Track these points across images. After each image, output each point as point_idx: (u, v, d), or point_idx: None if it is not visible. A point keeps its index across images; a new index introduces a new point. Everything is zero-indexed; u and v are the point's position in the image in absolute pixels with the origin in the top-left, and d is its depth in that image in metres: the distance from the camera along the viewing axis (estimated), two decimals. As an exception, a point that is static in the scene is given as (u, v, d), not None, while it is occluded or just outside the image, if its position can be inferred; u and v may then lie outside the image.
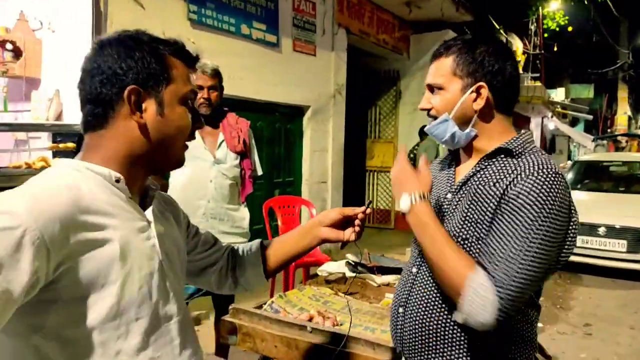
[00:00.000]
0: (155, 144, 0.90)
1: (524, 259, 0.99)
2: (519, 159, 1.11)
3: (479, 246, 1.08)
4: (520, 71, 13.48)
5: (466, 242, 1.12)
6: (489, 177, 1.13)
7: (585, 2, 13.74)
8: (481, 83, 1.14)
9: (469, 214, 1.13)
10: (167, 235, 0.96)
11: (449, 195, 1.22)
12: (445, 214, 1.21)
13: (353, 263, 2.76)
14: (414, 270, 1.25)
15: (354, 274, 2.58)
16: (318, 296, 2.31)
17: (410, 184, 1.14)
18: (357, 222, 1.21)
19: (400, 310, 1.25)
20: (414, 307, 1.21)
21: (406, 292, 1.25)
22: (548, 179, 1.03)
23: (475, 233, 1.10)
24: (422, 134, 6.67)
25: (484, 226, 1.09)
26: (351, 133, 6.77)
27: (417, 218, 1.11)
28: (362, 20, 6.80)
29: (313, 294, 2.33)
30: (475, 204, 1.12)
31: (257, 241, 1.26)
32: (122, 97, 0.86)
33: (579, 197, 6.21)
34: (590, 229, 5.69)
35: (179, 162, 0.97)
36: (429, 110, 1.23)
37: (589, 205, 6.16)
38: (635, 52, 19.24)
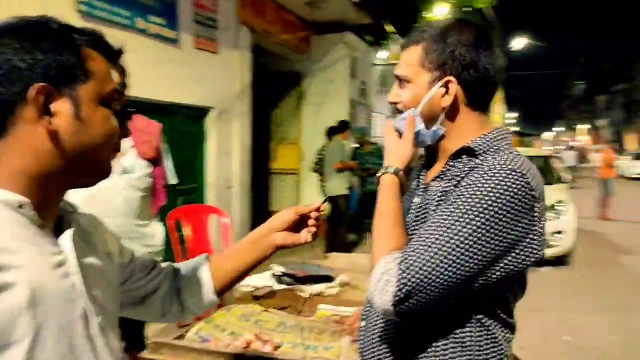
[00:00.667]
0: (72, 156, 0.74)
1: (441, 249, 0.90)
2: (483, 158, 1.02)
3: None
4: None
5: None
6: (451, 175, 1.05)
7: (467, 10, 14.85)
8: (450, 78, 1.04)
9: (420, 213, 1.07)
10: (92, 268, 0.80)
11: (417, 200, 1.13)
12: (411, 219, 1.12)
13: (280, 274, 2.61)
14: None
15: (285, 287, 2.42)
16: (248, 316, 2.12)
17: (388, 157, 1.11)
18: (311, 221, 1.11)
19: (363, 323, 1.17)
20: (373, 321, 1.13)
21: (369, 304, 1.16)
22: (501, 173, 0.93)
23: (419, 229, 1.03)
24: (330, 134, 6.66)
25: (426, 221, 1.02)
26: (255, 135, 6.56)
27: (379, 190, 1.08)
28: (265, 19, 6.63)
29: (242, 313, 2.13)
30: (427, 202, 1.06)
31: (202, 257, 1.10)
32: (25, 98, 0.70)
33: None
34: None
35: (105, 175, 0.82)
36: (396, 104, 1.13)
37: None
38: (508, 55, 21.31)
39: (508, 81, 24.08)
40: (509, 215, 0.92)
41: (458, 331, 1.01)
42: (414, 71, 1.07)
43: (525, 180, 0.94)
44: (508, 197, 0.92)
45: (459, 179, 1.01)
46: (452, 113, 1.07)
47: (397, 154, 1.10)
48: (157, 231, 2.36)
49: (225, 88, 5.86)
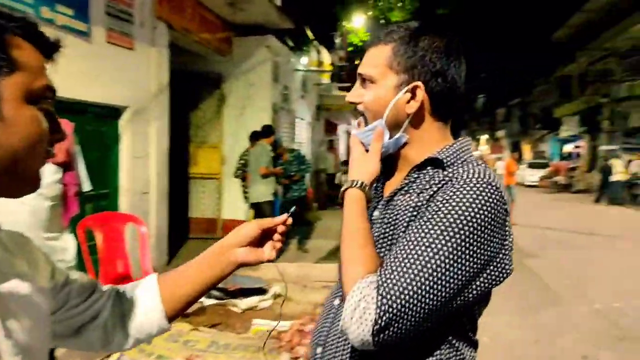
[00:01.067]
0: None
1: (421, 270, 0.82)
2: (451, 170, 0.97)
3: None
4: (329, 81, 14.56)
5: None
6: (417, 188, 0.98)
7: (382, 22, 15.37)
8: (417, 83, 0.99)
9: (387, 229, 0.99)
10: (13, 296, 0.68)
11: (376, 213, 1.06)
12: (373, 235, 1.03)
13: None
14: (336, 302, 1.08)
15: (215, 302, 2.25)
16: (176, 336, 1.93)
17: (353, 171, 1.02)
18: (276, 236, 0.98)
19: (319, 350, 1.07)
20: (334, 347, 1.03)
21: (326, 328, 1.07)
22: (477, 187, 0.89)
23: (388, 249, 0.96)
24: (253, 138, 6.49)
25: (397, 239, 0.94)
26: (173, 137, 6.22)
27: (344, 206, 0.98)
28: (184, 16, 6.32)
29: (169, 333, 1.94)
30: (395, 217, 0.98)
31: (151, 277, 0.96)
32: None
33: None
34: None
35: (33, 187, 0.69)
36: (356, 104, 1.05)
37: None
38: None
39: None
40: (486, 230, 0.88)
41: (427, 355, 0.95)
42: (381, 72, 1.01)
43: (499, 193, 0.92)
44: (486, 212, 0.88)
45: (430, 192, 0.95)
46: (415, 120, 1.02)
47: (362, 167, 1.01)
48: (68, 244, 2.09)
49: (141, 86, 5.50)
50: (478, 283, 0.89)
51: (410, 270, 0.83)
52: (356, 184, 0.98)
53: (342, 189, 1.00)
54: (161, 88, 5.81)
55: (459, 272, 0.85)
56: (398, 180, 1.05)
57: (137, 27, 5.35)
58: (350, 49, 16.54)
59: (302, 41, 10.43)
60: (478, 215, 0.87)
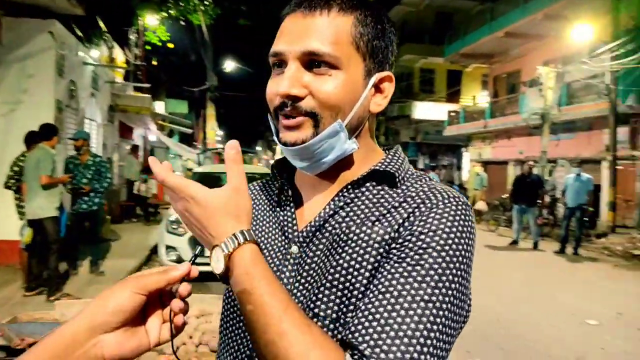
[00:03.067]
0: None
1: (427, 337, 0.60)
2: (405, 187, 0.76)
3: (350, 324, 0.65)
4: (123, 81, 13.21)
5: (333, 322, 0.69)
6: (363, 214, 0.74)
7: (182, 23, 14.71)
8: (388, 73, 0.78)
9: (335, 274, 0.70)
10: None
11: (294, 249, 0.77)
12: (289, 279, 0.76)
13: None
14: None
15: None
16: None
17: (216, 223, 0.62)
18: (177, 303, 0.63)
19: None
20: None
21: None
22: (460, 211, 0.70)
23: (345, 302, 0.69)
24: (29, 141, 5.33)
25: (360, 289, 0.68)
26: None
27: (237, 278, 0.60)
28: None
29: None
30: (345, 257, 0.71)
31: None
32: None
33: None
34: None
35: None
36: (297, 99, 0.71)
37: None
38: (219, 75, 22.25)
39: (221, 100, 25.27)
40: (472, 261, 0.71)
41: None
42: (346, 52, 0.72)
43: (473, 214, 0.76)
44: (473, 239, 0.71)
45: (397, 219, 0.71)
46: (370, 123, 0.81)
47: (239, 205, 0.64)
48: None
49: None
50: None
51: (414, 341, 0.59)
52: (246, 238, 0.62)
53: (224, 252, 0.61)
54: None
55: (460, 320, 0.67)
56: (322, 203, 0.78)
57: None
58: (147, 47, 15.36)
59: (92, 32, 9.19)
60: (470, 247, 0.70)
